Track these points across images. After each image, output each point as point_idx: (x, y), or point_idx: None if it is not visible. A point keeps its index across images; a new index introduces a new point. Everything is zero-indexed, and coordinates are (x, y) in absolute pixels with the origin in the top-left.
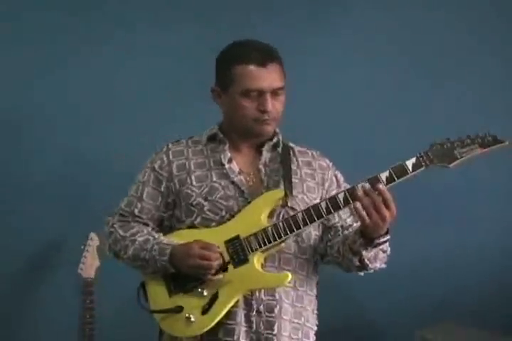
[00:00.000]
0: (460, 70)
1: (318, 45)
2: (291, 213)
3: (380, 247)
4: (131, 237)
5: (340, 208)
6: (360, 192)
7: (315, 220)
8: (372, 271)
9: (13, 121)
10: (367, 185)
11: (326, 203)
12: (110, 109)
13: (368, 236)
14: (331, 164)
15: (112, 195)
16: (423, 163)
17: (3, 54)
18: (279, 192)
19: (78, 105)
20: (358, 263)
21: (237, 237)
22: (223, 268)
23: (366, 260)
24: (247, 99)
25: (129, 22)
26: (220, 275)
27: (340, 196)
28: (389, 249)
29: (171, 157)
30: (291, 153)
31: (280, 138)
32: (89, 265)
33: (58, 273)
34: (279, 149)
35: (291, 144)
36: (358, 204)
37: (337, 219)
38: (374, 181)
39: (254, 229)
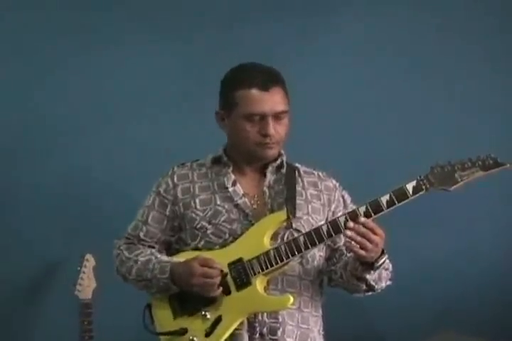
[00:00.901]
0: (460, 73)
1: (312, 51)
2: (296, 235)
3: (382, 267)
4: (135, 258)
5: (341, 231)
6: (347, 231)
7: (316, 243)
8: (379, 290)
9: (7, 134)
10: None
11: (327, 226)
12: (108, 125)
13: (366, 262)
14: (337, 184)
15: (109, 216)
16: (423, 187)
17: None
18: (281, 215)
19: (77, 119)
20: (365, 287)
21: (240, 260)
22: (226, 292)
23: (372, 282)
24: (249, 123)
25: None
26: (219, 290)
27: (341, 219)
28: (390, 265)
29: (175, 180)
30: (297, 173)
31: (284, 159)
32: (86, 286)
33: (55, 295)
34: (283, 170)
35: (296, 164)
36: (349, 239)
37: (342, 242)
38: (353, 216)
39: (257, 252)
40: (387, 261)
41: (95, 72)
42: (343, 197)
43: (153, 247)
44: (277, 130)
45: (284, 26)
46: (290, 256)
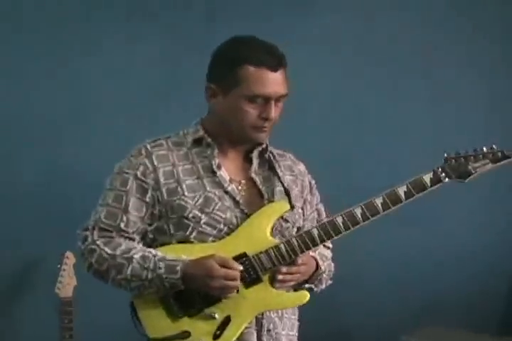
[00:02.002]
0: (457, 76)
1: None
2: (284, 225)
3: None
4: (125, 255)
5: (358, 223)
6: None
7: (332, 237)
8: (319, 291)
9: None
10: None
11: (343, 218)
12: (89, 119)
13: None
14: (304, 168)
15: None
16: (441, 178)
17: None
18: (284, 205)
19: (56, 113)
20: (304, 289)
21: (245, 255)
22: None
23: (313, 286)
24: (251, 104)
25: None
26: (235, 294)
27: (358, 211)
28: (332, 265)
29: (155, 162)
30: (272, 156)
31: (267, 143)
32: (67, 284)
33: (35, 294)
34: (267, 155)
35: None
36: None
37: None
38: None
39: (262, 246)
40: (327, 265)
41: (75, 69)
42: (310, 182)
43: (133, 239)
44: (275, 113)
45: (270, 23)
46: (304, 250)
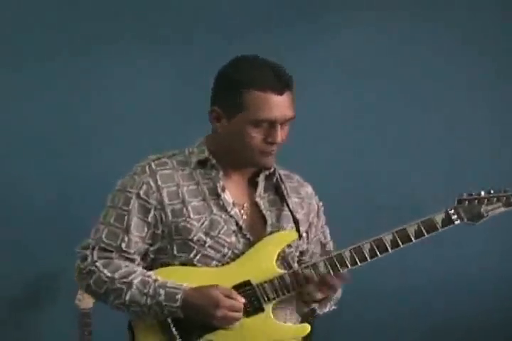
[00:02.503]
0: (462, 95)
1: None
2: (287, 250)
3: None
4: (123, 279)
5: (365, 260)
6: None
7: (339, 270)
8: (321, 314)
9: (11, 144)
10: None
11: (351, 253)
12: (110, 135)
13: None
14: (312, 190)
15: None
16: (453, 220)
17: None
18: (292, 234)
19: (75, 126)
20: (307, 310)
21: (249, 283)
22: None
23: (315, 307)
24: (256, 129)
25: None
26: (237, 323)
27: (366, 247)
28: (340, 291)
29: (159, 182)
30: (279, 178)
31: (275, 166)
32: (87, 296)
33: (56, 305)
34: (274, 178)
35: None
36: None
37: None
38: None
39: (267, 275)
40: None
41: (94, 82)
42: (317, 205)
43: (133, 260)
44: (282, 137)
45: (285, 39)
46: (310, 282)
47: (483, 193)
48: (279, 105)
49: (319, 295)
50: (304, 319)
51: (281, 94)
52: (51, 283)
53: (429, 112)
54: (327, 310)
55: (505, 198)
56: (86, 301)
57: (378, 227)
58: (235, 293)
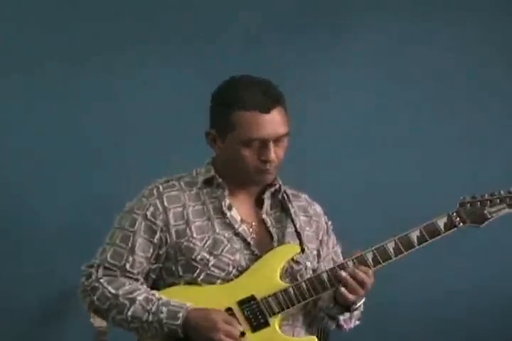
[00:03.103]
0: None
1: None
2: (296, 267)
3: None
4: (128, 295)
5: (369, 268)
6: (344, 274)
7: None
8: (347, 330)
9: (22, 163)
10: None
11: (353, 262)
12: (123, 152)
13: (342, 303)
14: (321, 209)
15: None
16: (456, 223)
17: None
18: (295, 248)
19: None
20: (333, 327)
21: (253, 298)
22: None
23: (342, 322)
24: (248, 149)
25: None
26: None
27: (369, 255)
28: (363, 305)
29: (166, 203)
30: (286, 197)
31: (280, 183)
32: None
33: (71, 323)
34: (280, 196)
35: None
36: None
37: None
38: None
39: (271, 289)
40: (363, 302)
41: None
42: (326, 223)
43: (137, 280)
44: (277, 153)
45: (297, 51)
46: (314, 294)
47: (486, 195)
48: (268, 123)
49: (351, 296)
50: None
51: (268, 112)
52: (69, 300)
53: (445, 122)
54: (352, 325)
55: (508, 199)
56: (101, 319)
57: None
58: (234, 320)
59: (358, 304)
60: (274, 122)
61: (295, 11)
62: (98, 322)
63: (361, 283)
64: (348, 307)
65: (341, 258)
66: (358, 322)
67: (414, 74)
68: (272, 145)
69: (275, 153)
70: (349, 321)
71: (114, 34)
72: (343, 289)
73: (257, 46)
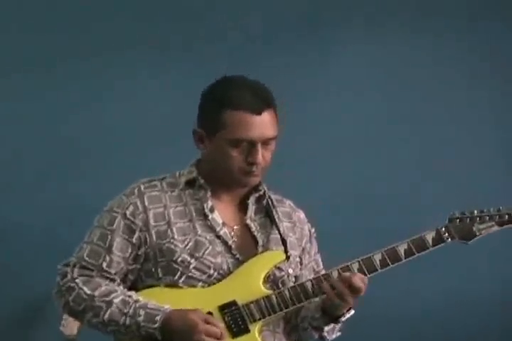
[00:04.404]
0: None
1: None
2: (278, 274)
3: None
4: (104, 298)
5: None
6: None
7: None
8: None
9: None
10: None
11: (338, 272)
12: (109, 156)
13: (331, 314)
14: (304, 216)
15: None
16: (445, 239)
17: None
18: (280, 255)
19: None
20: (316, 337)
21: (235, 303)
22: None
23: (325, 333)
24: (235, 149)
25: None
26: None
27: (355, 266)
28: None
29: (146, 203)
30: (270, 202)
31: (266, 189)
32: (71, 321)
33: (41, 332)
34: (265, 201)
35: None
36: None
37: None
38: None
39: (253, 295)
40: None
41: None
42: (310, 231)
43: (114, 280)
44: (264, 156)
45: (288, 60)
46: (296, 303)
47: (475, 212)
48: (257, 125)
49: (338, 301)
50: None
51: (259, 113)
52: (38, 308)
53: (435, 135)
54: (334, 336)
55: (498, 217)
56: (70, 327)
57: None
58: (212, 319)
59: (347, 316)
60: (264, 124)
61: (283, 22)
62: (68, 331)
63: (346, 293)
64: (335, 318)
65: (321, 266)
66: (339, 333)
67: (405, 86)
68: (259, 147)
69: (262, 156)
70: (332, 332)
71: (107, 36)
72: (332, 295)
73: (248, 56)
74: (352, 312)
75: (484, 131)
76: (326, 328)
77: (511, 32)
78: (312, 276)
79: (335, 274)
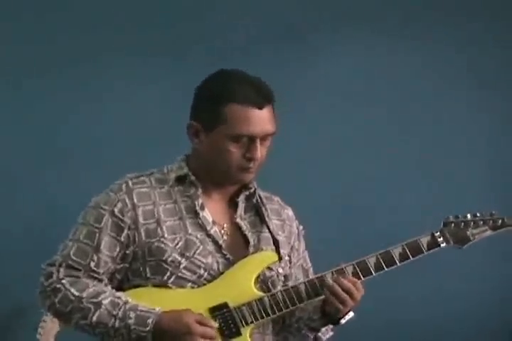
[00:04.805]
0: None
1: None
2: (268, 274)
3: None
4: (93, 299)
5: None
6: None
7: (320, 294)
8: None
9: None
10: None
11: (333, 275)
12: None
13: (331, 316)
14: (292, 213)
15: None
16: (440, 243)
17: None
18: (272, 256)
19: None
20: (311, 338)
21: (226, 305)
22: None
23: (321, 334)
24: (235, 144)
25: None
26: None
27: (349, 269)
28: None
29: (135, 200)
30: (259, 200)
31: (256, 186)
32: (49, 330)
33: (18, 340)
34: (254, 200)
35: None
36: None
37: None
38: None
39: (245, 297)
40: None
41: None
42: (298, 228)
43: (101, 280)
44: (261, 153)
45: (276, 60)
46: (290, 306)
47: (469, 216)
48: (259, 119)
49: (341, 306)
50: None
51: (261, 108)
52: (15, 317)
53: (419, 140)
54: (328, 335)
55: (491, 221)
56: (47, 336)
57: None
58: (207, 320)
59: (347, 318)
60: (264, 119)
61: (269, 27)
62: (44, 339)
63: (344, 296)
64: (336, 320)
65: (310, 264)
66: (331, 333)
67: (393, 86)
68: (258, 143)
69: (260, 152)
70: (326, 332)
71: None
72: (332, 299)
73: (229, 61)
74: (351, 314)
75: (475, 132)
76: (323, 329)
77: (495, 33)
78: (306, 279)
79: (329, 276)
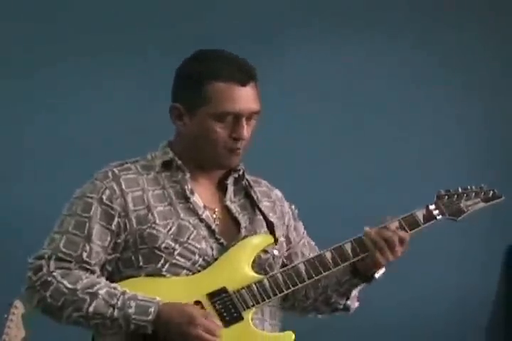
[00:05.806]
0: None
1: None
2: (263, 256)
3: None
4: (88, 290)
5: (348, 259)
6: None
7: (321, 273)
8: (351, 311)
9: None
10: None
11: (332, 253)
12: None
13: (363, 274)
14: (281, 194)
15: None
16: (435, 215)
17: None
18: (268, 238)
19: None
20: (341, 306)
21: (225, 290)
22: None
23: (349, 301)
24: (220, 124)
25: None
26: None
27: (348, 246)
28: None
29: (123, 186)
30: (249, 183)
31: (244, 168)
32: (14, 336)
33: None
34: (243, 182)
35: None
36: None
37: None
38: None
39: (243, 281)
40: None
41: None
42: (291, 208)
43: (93, 272)
44: (248, 133)
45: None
46: (291, 286)
47: (460, 189)
48: (243, 97)
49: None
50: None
51: (244, 85)
52: None
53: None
54: (357, 304)
55: (483, 193)
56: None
57: None
58: (212, 315)
59: (380, 273)
60: (249, 97)
61: (239, 28)
62: None
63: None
64: (367, 277)
65: (313, 243)
66: (357, 304)
67: (361, 86)
68: (244, 121)
69: (246, 131)
70: (355, 300)
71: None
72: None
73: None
74: (383, 269)
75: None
76: (354, 292)
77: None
78: (304, 258)
79: (328, 255)
